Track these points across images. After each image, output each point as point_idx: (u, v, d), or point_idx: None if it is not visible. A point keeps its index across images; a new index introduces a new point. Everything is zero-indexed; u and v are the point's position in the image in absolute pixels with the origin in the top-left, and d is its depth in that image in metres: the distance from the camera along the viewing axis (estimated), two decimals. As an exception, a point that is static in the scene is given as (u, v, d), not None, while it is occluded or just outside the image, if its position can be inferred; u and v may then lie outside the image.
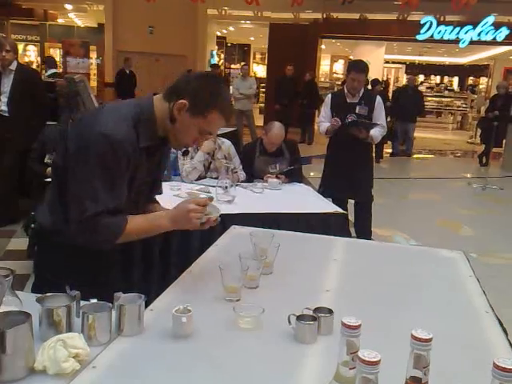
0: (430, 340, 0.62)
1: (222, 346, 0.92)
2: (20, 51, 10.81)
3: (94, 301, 0.92)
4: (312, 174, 5.30)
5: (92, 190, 1.02)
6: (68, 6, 10.73)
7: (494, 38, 8.81)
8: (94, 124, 1.03)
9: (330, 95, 3.20)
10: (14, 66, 3.30)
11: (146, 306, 1.01)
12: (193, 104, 1.05)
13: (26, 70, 3.53)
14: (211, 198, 1.13)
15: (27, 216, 2.72)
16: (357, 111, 2.99)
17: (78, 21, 12.66)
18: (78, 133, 1.08)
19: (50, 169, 2.65)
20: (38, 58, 11.92)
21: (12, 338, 0.74)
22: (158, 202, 1.30)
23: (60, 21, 12.39)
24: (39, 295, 0.91)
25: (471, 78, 18.01)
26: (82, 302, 0.92)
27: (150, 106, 1.08)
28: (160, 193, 1.30)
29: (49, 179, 2.61)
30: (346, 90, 3.05)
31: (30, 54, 12.26)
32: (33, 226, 1.20)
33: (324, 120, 3.09)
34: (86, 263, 1.06)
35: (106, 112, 1.08)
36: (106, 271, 1.08)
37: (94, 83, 9.73)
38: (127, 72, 7.50)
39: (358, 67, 2.97)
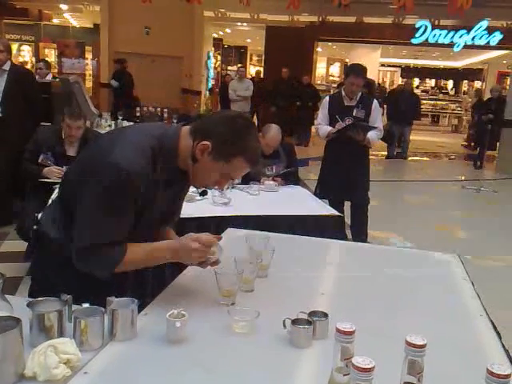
0: (424, 346, 0.62)
1: (216, 351, 0.92)
2: (14, 51, 10.74)
3: (87, 305, 0.91)
4: (309, 176, 5.30)
5: (94, 220, 1.00)
6: (63, 6, 10.69)
7: (488, 43, 8.91)
8: (109, 150, 0.99)
9: (327, 98, 3.19)
10: (7, 66, 3.27)
11: (141, 310, 1.01)
12: (216, 148, 1.01)
13: (19, 71, 3.49)
14: (220, 237, 1.09)
15: (20, 218, 2.70)
16: (354, 114, 3.00)
17: (74, 21, 12.62)
18: (92, 155, 1.05)
19: (47, 169, 2.61)
20: (33, 59, 11.85)
21: (1, 344, 0.73)
22: (170, 228, 1.26)
23: (55, 21, 12.34)
24: (30, 299, 0.89)
25: (465, 81, 18.20)
26: (74, 307, 0.91)
27: (174, 139, 1.04)
28: (177, 217, 1.28)
29: (43, 180, 2.61)
30: (343, 93, 3.05)
31: (25, 55, 12.18)
32: (35, 227, 1.18)
33: (322, 123, 3.09)
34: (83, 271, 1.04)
35: (126, 138, 1.03)
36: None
37: (89, 84, 9.69)
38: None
39: (356, 71, 2.97)
